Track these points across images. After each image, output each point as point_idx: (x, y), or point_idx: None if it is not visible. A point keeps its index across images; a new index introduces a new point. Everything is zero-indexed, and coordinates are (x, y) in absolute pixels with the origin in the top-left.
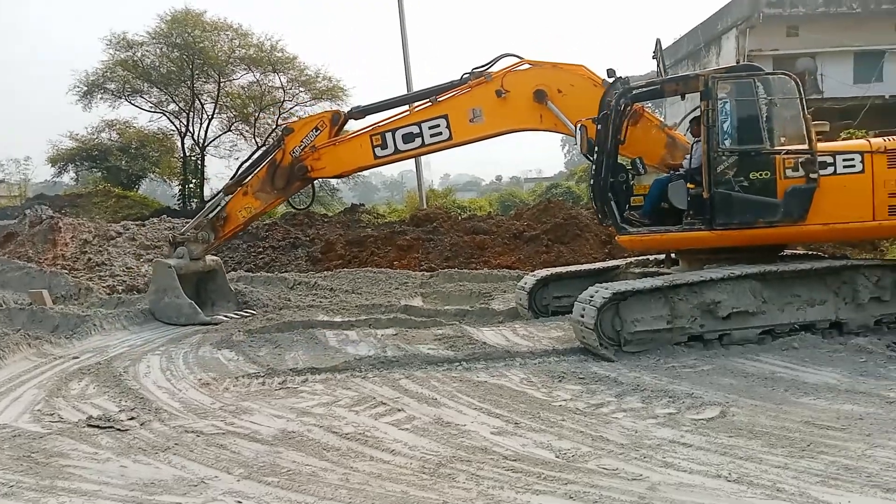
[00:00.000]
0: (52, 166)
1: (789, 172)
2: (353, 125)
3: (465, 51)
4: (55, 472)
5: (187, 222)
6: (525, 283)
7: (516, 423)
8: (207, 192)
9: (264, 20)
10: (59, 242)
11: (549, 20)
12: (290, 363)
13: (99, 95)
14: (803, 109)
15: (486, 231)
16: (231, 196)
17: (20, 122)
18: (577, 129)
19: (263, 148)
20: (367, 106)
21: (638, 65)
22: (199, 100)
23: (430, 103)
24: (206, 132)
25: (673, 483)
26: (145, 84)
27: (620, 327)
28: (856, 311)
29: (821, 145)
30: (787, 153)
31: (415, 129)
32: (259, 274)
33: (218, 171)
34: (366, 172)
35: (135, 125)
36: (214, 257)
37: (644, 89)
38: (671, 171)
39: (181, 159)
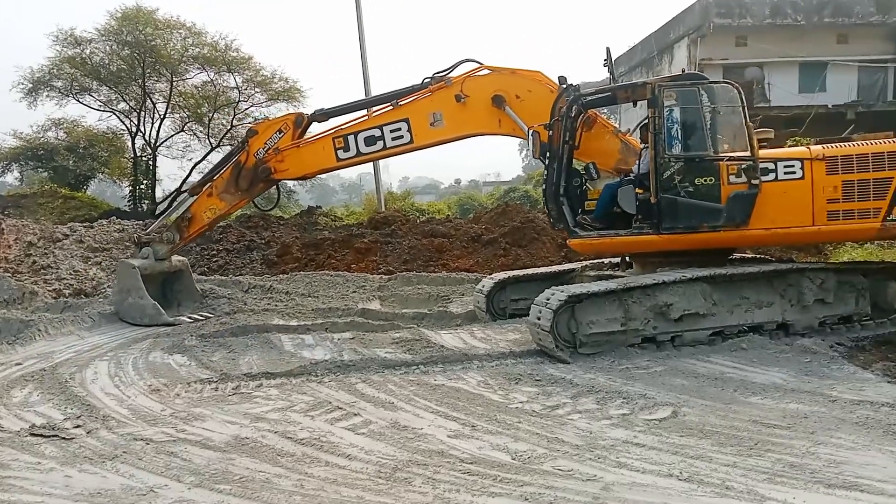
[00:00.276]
0: None
1: (732, 178)
2: (316, 128)
3: (425, 55)
4: None
5: (138, 224)
6: (483, 286)
7: (473, 426)
8: (159, 194)
9: (219, 20)
10: (2, 244)
11: (520, 24)
12: (245, 368)
13: (45, 93)
14: (745, 117)
15: (444, 234)
16: (196, 197)
17: None
18: (530, 134)
19: (218, 150)
20: (331, 109)
21: (603, 70)
22: (151, 99)
23: (391, 107)
24: (157, 132)
25: (626, 483)
26: (94, 82)
27: (576, 329)
28: (801, 313)
29: (763, 152)
30: (730, 160)
31: (377, 133)
32: (213, 277)
33: (170, 172)
34: (324, 175)
35: (83, 124)
36: (181, 258)
37: (596, 96)
38: (622, 177)
39: (132, 159)
